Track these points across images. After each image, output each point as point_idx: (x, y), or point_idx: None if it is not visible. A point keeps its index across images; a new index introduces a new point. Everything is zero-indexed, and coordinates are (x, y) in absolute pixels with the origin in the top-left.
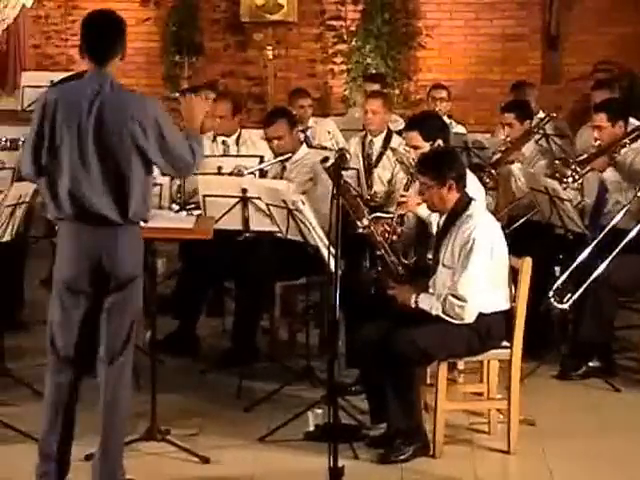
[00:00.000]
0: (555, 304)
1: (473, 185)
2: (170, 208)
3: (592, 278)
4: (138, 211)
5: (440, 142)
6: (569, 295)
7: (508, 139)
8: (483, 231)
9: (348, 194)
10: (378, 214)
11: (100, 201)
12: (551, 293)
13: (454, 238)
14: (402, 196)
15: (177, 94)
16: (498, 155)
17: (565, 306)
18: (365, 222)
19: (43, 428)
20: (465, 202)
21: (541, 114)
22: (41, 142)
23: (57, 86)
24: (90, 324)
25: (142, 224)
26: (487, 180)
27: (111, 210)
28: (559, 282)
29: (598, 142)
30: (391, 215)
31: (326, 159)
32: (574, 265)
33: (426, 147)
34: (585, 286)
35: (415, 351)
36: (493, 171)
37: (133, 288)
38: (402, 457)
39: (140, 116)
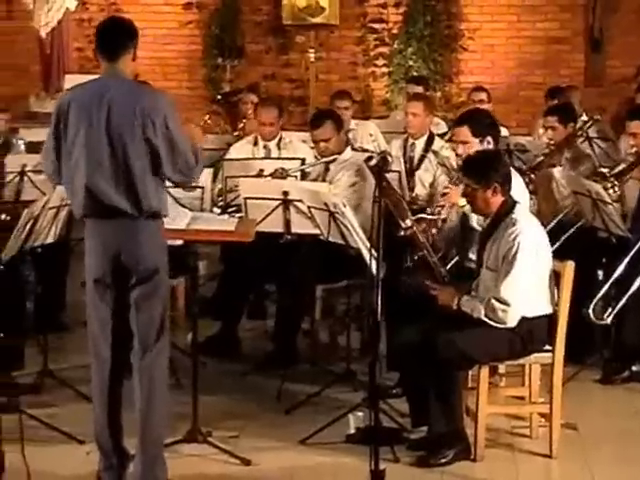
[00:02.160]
0: (595, 320)
1: (519, 188)
2: (212, 211)
3: (632, 291)
4: (152, 204)
5: (489, 139)
6: (609, 310)
7: (551, 142)
8: (528, 235)
9: (391, 194)
10: (421, 215)
11: (115, 195)
12: (590, 309)
13: (499, 241)
14: (446, 187)
15: (219, 97)
16: (540, 158)
17: (607, 321)
18: (408, 223)
19: (95, 425)
20: (510, 205)
21: (584, 117)
22: (58, 143)
23: (71, 89)
24: (121, 320)
25: (175, 225)
26: (527, 183)
27: (126, 203)
28: (597, 298)
29: (635, 149)
30: (434, 217)
31: (370, 158)
32: (612, 279)
33: (475, 143)
34: (624, 300)
35: (457, 354)
36: (532, 175)
37: (157, 281)
38: (443, 460)
39: (150, 110)
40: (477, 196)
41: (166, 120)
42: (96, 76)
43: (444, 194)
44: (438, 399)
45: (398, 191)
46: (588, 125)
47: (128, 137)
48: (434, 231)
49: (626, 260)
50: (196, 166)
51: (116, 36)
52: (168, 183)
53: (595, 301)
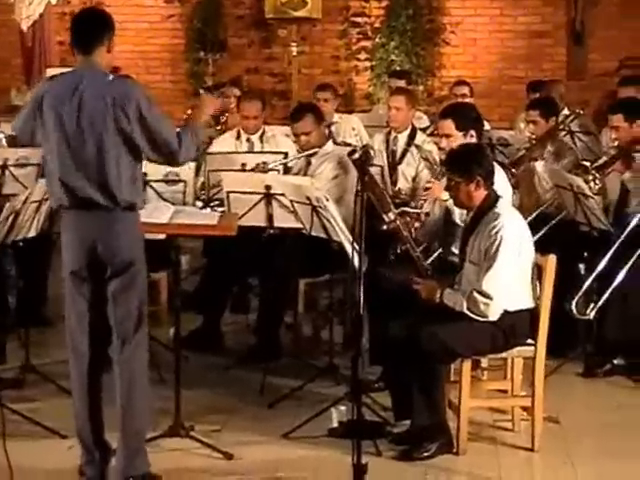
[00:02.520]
0: (578, 315)
1: (502, 182)
2: (194, 205)
3: (614, 286)
4: (126, 196)
5: (473, 133)
6: (592, 305)
7: (532, 136)
8: (510, 229)
9: (374, 187)
10: (404, 209)
11: (89, 188)
12: (573, 304)
13: (481, 235)
14: (428, 182)
15: (202, 91)
16: (522, 152)
17: (589, 317)
18: (391, 216)
19: (76, 420)
20: (492, 199)
21: (566, 111)
22: (32, 130)
23: (47, 80)
24: (98, 313)
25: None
26: (509, 178)
27: (100, 196)
28: (580, 293)
29: (616, 142)
30: (417, 210)
31: (353, 151)
32: (594, 274)
33: (458, 136)
34: (607, 295)
35: (440, 348)
36: (514, 170)
37: (133, 273)
38: (425, 454)
39: (122, 100)
40: (460, 189)
41: (140, 108)
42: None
43: (427, 188)
44: (421, 393)
45: (381, 185)
46: (570, 119)
47: (100, 129)
48: (417, 225)
49: (608, 255)
50: (179, 149)
51: (90, 28)
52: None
53: (578, 296)
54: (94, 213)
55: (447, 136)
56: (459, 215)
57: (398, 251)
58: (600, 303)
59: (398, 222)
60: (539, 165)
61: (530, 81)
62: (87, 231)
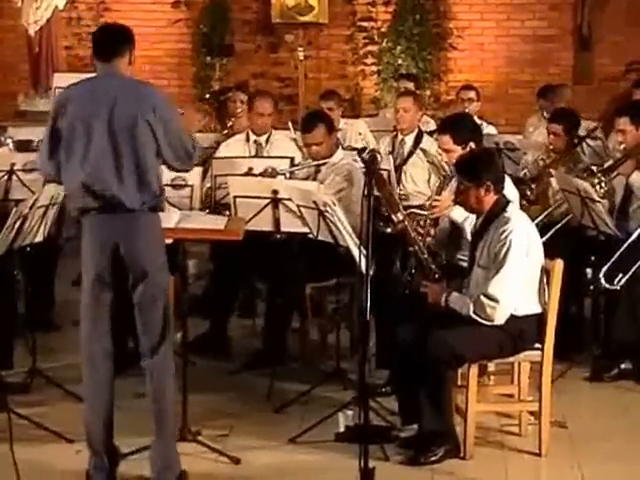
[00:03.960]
0: (606, 285)
1: (508, 187)
2: (201, 210)
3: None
4: (154, 196)
5: (472, 145)
6: (620, 276)
7: (551, 147)
8: (520, 234)
9: (384, 186)
10: (413, 210)
11: (116, 189)
12: (602, 274)
13: (490, 239)
14: (435, 200)
15: (208, 95)
16: (537, 161)
17: (616, 287)
18: (400, 216)
19: (85, 425)
20: (502, 204)
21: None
22: (56, 140)
23: (69, 86)
24: (118, 317)
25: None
26: (528, 193)
27: (127, 195)
28: (611, 262)
29: (623, 146)
30: (426, 213)
31: (364, 149)
32: (625, 245)
33: (458, 150)
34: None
35: (448, 353)
36: (533, 186)
37: (160, 277)
38: (433, 458)
39: (151, 103)
40: (469, 194)
41: (166, 111)
42: (87, 75)
43: (433, 206)
44: (428, 397)
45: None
46: (593, 134)
47: (131, 132)
48: (429, 239)
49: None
50: (194, 152)
51: (110, 38)
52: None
53: (607, 265)
54: (119, 215)
55: (447, 151)
56: (470, 231)
57: (413, 270)
58: (628, 275)
59: (406, 223)
60: (554, 181)
61: (540, 88)
62: (110, 233)
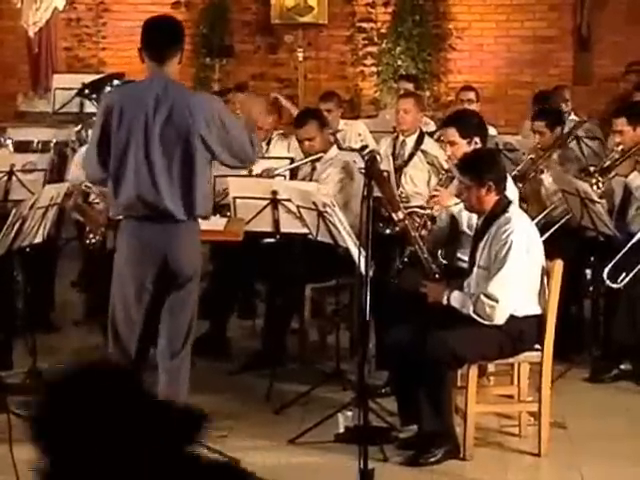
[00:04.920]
0: (610, 284)
1: (510, 187)
2: None
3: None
4: (204, 206)
5: (477, 140)
6: (623, 275)
7: (539, 146)
8: (520, 234)
9: (385, 185)
10: (414, 209)
11: (166, 198)
12: (605, 273)
13: (491, 240)
14: (435, 190)
15: None
16: (526, 162)
17: (620, 285)
18: (400, 215)
19: None
20: (504, 204)
21: (573, 116)
22: (106, 145)
23: (118, 89)
24: (151, 320)
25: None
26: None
27: (177, 206)
28: (615, 260)
29: (620, 147)
30: (426, 212)
31: (365, 147)
32: (628, 246)
33: (462, 144)
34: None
35: (448, 354)
36: (521, 184)
37: (194, 284)
38: (432, 459)
39: (204, 111)
40: (471, 194)
41: (221, 120)
42: (87, 75)
43: (433, 196)
44: (428, 398)
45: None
46: (577, 129)
47: (184, 140)
48: (424, 232)
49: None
50: (253, 152)
51: (165, 38)
52: None
53: (611, 264)
54: (164, 226)
55: (451, 144)
56: (466, 223)
57: (405, 259)
58: (632, 274)
59: (407, 222)
60: (546, 178)
61: (536, 94)
62: (155, 242)
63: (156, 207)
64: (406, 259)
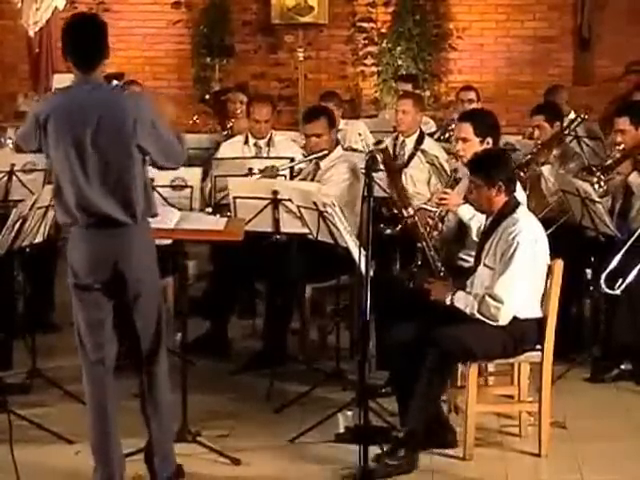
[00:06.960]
0: (607, 290)
1: (518, 188)
2: (202, 210)
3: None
4: (146, 208)
5: (490, 140)
6: (620, 281)
7: (538, 141)
8: (528, 236)
9: (397, 180)
10: (423, 206)
11: (106, 204)
12: (602, 279)
13: (498, 239)
14: (444, 192)
15: (207, 96)
16: (528, 157)
17: (617, 292)
18: (410, 211)
19: (90, 432)
20: (513, 206)
21: (572, 115)
22: (37, 143)
23: (47, 100)
24: (114, 324)
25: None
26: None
27: (119, 211)
28: (610, 267)
29: (622, 146)
30: (435, 209)
31: (380, 142)
32: (624, 249)
33: (475, 142)
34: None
35: (459, 346)
36: (522, 173)
37: (152, 285)
38: (394, 462)
39: (135, 113)
40: (481, 194)
41: (152, 120)
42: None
43: (442, 199)
44: (421, 392)
45: (386, 189)
46: (576, 124)
47: (117, 144)
48: (435, 234)
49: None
50: (182, 150)
51: (93, 43)
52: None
53: (608, 270)
54: (111, 231)
55: (464, 140)
56: (476, 232)
57: (420, 262)
58: (628, 280)
59: (417, 218)
60: (546, 169)
61: (533, 108)
62: (105, 248)
63: (97, 214)
64: (420, 262)
